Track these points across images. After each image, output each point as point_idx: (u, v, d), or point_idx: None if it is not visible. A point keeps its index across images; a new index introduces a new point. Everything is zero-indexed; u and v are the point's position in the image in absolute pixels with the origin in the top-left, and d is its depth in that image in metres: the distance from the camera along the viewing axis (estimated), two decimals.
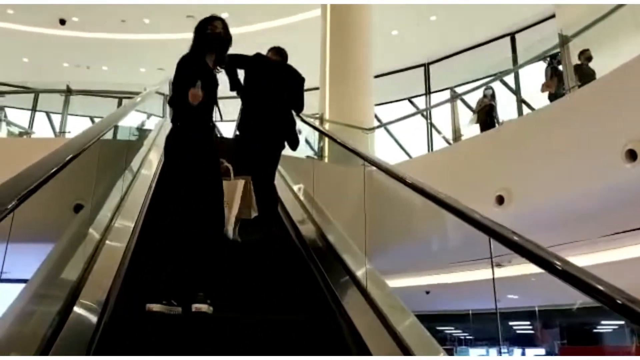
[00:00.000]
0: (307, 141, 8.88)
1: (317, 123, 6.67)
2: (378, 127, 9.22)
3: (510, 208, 5.36)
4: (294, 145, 4.06)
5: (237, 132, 4.10)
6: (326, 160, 7.80)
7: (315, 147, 8.42)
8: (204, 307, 2.44)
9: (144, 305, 2.38)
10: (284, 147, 4.03)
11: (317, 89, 9.61)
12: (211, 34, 2.88)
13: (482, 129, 7.45)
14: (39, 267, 2.41)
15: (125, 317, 2.30)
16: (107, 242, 2.78)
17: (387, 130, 9.81)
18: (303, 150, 8.71)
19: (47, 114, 9.94)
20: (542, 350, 13.82)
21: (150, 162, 4.38)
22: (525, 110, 9.02)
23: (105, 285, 2.39)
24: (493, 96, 7.97)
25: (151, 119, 7.29)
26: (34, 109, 9.86)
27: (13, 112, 12.07)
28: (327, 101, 9.11)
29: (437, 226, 5.55)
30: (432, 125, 10.01)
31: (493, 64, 12.02)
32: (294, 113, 4.15)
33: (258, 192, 3.71)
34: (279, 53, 4.25)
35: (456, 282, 10.51)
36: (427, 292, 11.98)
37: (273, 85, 4.01)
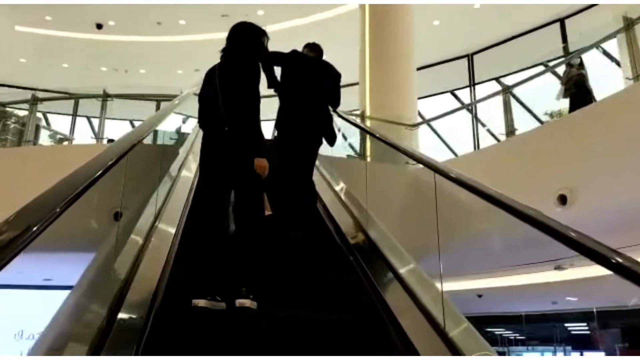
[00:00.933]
0: (344, 136, 8.73)
1: (357, 120, 6.49)
2: (423, 122, 8.94)
3: (574, 208, 5.02)
4: (332, 141, 4.15)
5: (275, 131, 4.18)
6: (368, 159, 7.60)
7: (357, 146, 8.28)
8: (247, 302, 2.56)
9: (189, 302, 2.52)
10: (321, 143, 4.14)
11: (356, 84, 9.46)
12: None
13: (573, 103, 6.85)
14: (86, 268, 2.46)
15: (172, 313, 2.44)
16: (152, 243, 2.88)
17: (430, 126, 9.53)
18: (343, 150, 8.59)
19: (88, 118, 10.25)
20: (601, 354, 13.19)
21: (189, 165, 4.41)
22: None
23: (152, 283, 2.53)
24: (581, 65, 7.07)
25: (189, 122, 7.33)
26: (74, 114, 10.10)
27: (55, 117, 12.45)
28: (368, 97, 8.86)
29: (492, 229, 5.35)
30: (477, 119, 9.70)
31: (542, 52, 11.58)
32: (330, 109, 4.23)
33: (296, 188, 3.88)
34: (314, 49, 4.33)
35: (511, 286, 10.23)
36: (480, 296, 11.73)
37: (310, 81, 4.11)
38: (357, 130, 7.72)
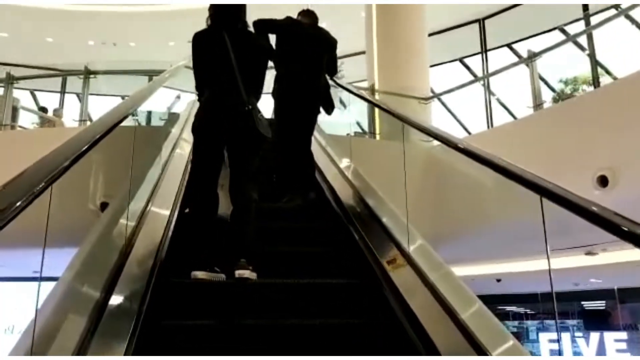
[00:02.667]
0: (342, 102, 8.45)
1: (363, 92, 6.13)
2: (436, 96, 8.48)
3: (615, 191, 4.66)
4: (329, 109, 4.26)
5: (273, 100, 4.22)
6: (377, 137, 7.24)
7: (364, 122, 7.89)
8: (246, 273, 2.63)
9: (189, 274, 2.64)
10: (319, 111, 4.24)
11: (362, 53, 9.03)
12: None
13: None
14: (80, 247, 2.42)
15: (172, 285, 2.58)
16: (147, 220, 2.92)
17: (440, 100, 9.09)
18: (348, 126, 8.21)
19: (78, 95, 9.91)
20: (622, 334, 13.11)
21: (183, 145, 4.32)
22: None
23: (150, 257, 2.63)
24: None
25: (183, 98, 7.00)
26: (62, 92, 9.71)
27: (44, 95, 12.09)
28: (376, 68, 8.46)
29: (519, 213, 5.06)
30: (490, 91, 9.28)
31: (558, 16, 11.13)
32: (327, 77, 4.32)
33: (295, 158, 4.05)
34: (309, 15, 4.41)
35: (536, 271, 10.03)
36: (498, 280, 11.64)
37: (305, 49, 4.18)
38: (365, 106, 7.33)
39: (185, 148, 4.17)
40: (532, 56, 6.43)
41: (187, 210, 3.18)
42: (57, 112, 9.76)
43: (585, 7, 10.79)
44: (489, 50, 12.95)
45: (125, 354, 1.92)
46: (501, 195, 5.11)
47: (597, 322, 14.27)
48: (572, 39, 8.43)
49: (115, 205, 2.84)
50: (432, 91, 8.65)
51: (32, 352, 1.62)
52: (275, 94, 4.19)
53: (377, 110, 7.00)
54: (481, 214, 5.66)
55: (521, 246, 6.87)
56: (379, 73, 8.38)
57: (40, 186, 1.39)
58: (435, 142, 6.72)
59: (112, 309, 2.06)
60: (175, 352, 2.20)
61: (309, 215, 3.76)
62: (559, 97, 11.51)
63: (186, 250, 2.84)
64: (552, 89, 12.02)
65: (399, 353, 2.28)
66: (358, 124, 8.42)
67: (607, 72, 9.60)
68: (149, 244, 2.70)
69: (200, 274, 2.63)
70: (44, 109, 9.78)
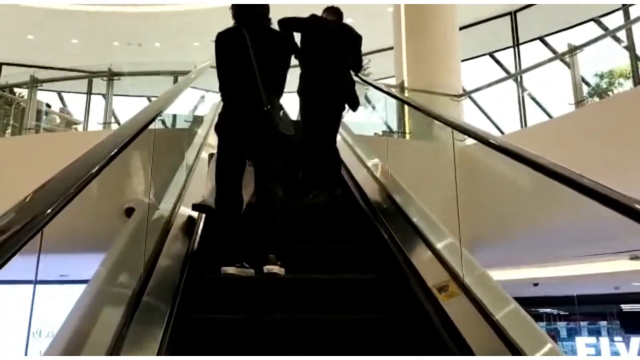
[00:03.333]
0: (368, 99, 8.22)
1: (392, 90, 5.96)
2: (469, 92, 8.17)
3: None
4: (354, 106, 4.33)
5: (298, 97, 4.31)
6: (407, 137, 7.05)
7: (393, 121, 7.70)
8: (274, 268, 2.73)
9: (218, 270, 2.74)
10: (344, 108, 4.34)
11: (390, 49, 8.85)
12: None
13: None
14: (112, 245, 2.47)
15: (202, 281, 2.70)
16: (177, 219, 3.01)
17: (471, 97, 8.79)
18: (374, 126, 7.99)
19: (104, 96, 9.96)
20: None
21: (209, 144, 4.38)
22: None
23: (181, 252, 2.78)
24: None
25: (207, 100, 6.92)
26: (89, 92, 9.74)
27: (71, 96, 12.20)
28: (405, 63, 8.30)
29: (564, 217, 4.83)
30: (522, 87, 8.99)
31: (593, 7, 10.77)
32: (352, 74, 4.40)
33: (321, 154, 4.15)
34: (334, 12, 4.51)
35: (577, 275, 9.80)
36: (536, 285, 11.41)
37: (330, 46, 4.26)
38: (393, 104, 7.15)
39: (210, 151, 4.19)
40: (573, 49, 6.16)
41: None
42: (64, 112, 9.84)
43: None
44: (521, 43, 12.61)
45: (159, 347, 2.00)
46: (540, 198, 4.91)
47: (636, 324, 13.91)
48: (611, 32, 8.09)
49: (145, 206, 2.89)
50: (463, 89, 8.43)
51: (67, 346, 1.66)
52: (300, 91, 4.27)
53: (406, 108, 6.79)
54: (519, 216, 5.45)
55: (559, 250, 6.62)
56: (408, 69, 8.24)
57: (70, 192, 1.36)
58: (469, 141, 6.53)
59: (145, 304, 2.14)
60: (203, 344, 2.28)
61: (335, 211, 3.84)
62: (595, 92, 11.15)
63: (215, 247, 2.96)
64: (587, 83, 11.61)
65: (428, 350, 2.26)
66: (385, 123, 8.25)
67: None
68: (179, 241, 2.83)
69: (230, 270, 2.73)
70: (47, 105, 9.81)
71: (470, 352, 2.11)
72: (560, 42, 6.67)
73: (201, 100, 7.09)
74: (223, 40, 3.10)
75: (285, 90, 3.19)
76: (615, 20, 10.65)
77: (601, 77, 11.59)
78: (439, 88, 7.45)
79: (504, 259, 7.54)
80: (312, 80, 4.20)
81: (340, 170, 4.37)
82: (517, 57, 12.64)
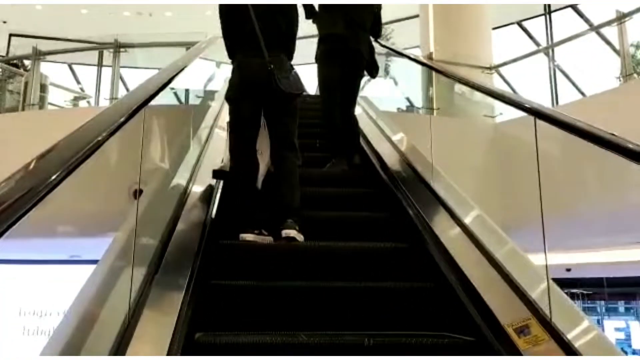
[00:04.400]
0: (387, 72, 7.76)
1: (421, 58, 5.59)
2: (503, 64, 7.76)
3: None
4: (374, 72, 4.35)
5: (317, 62, 4.31)
6: (435, 113, 6.67)
7: (418, 95, 7.31)
8: (292, 232, 2.79)
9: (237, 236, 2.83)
10: (363, 74, 4.33)
11: (415, 17, 8.39)
12: None
13: None
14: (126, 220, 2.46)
15: (221, 246, 2.74)
16: (194, 189, 3.06)
17: (498, 72, 8.34)
18: (397, 100, 7.64)
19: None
20: None
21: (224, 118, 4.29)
22: None
23: (199, 220, 2.79)
24: None
25: (221, 70, 6.59)
26: (100, 65, 9.42)
27: (81, 68, 11.97)
28: (431, 33, 7.89)
29: (600, 199, 4.53)
30: (554, 62, 8.51)
31: None
32: (372, 39, 4.39)
33: (339, 122, 4.14)
34: None
35: (616, 262, 9.50)
36: (568, 270, 11.18)
37: (348, 10, 4.18)
38: (416, 78, 6.77)
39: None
40: (622, 17, 5.73)
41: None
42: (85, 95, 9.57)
43: None
44: (553, 11, 11.94)
45: (180, 309, 2.03)
46: (583, 182, 4.61)
47: None
48: None
49: (162, 177, 2.97)
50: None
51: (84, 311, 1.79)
52: (318, 57, 4.28)
53: (435, 81, 6.37)
54: (556, 200, 5.09)
55: (595, 239, 6.25)
56: (435, 40, 7.83)
57: (72, 162, 1.31)
58: (502, 118, 6.14)
59: (165, 269, 2.21)
60: (221, 311, 2.36)
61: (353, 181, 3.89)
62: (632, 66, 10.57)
63: (233, 214, 3.02)
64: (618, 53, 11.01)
65: (448, 316, 2.31)
66: (407, 99, 7.88)
67: None
68: (197, 210, 2.88)
69: (248, 236, 2.81)
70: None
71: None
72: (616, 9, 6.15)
73: (215, 74, 6.75)
74: (225, 5, 3.18)
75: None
76: None
77: (637, 47, 11.04)
78: (469, 60, 7.06)
79: (538, 244, 7.17)
80: (331, 45, 4.19)
81: (359, 139, 4.37)
82: (550, 27, 12.06)
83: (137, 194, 2.59)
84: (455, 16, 7.75)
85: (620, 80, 6.05)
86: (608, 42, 10.78)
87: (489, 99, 5.43)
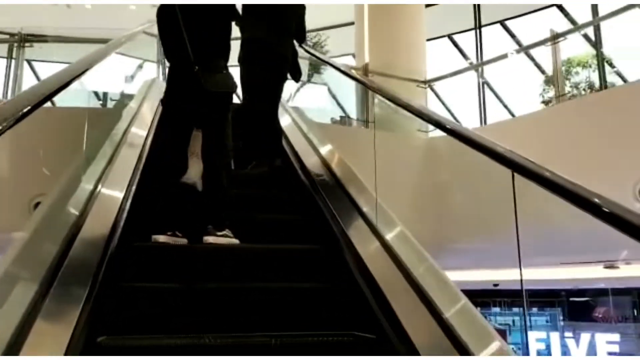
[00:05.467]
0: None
1: (354, 72, 5.72)
2: (438, 79, 7.70)
3: None
4: (297, 76, 4.50)
5: (240, 65, 4.41)
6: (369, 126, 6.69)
7: (352, 104, 7.40)
8: (210, 239, 2.92)
9: (149, 237, 2.87)
10: (286, 78, 4.46)
11: (351, 24, 8.50)
12: None
13: None
14: (36, 211, 2.62)
15: (131, 248, 2.74)
16: (107, 182, 3.07)
17: (430, 87, 8.45)
18: (327, 110, 7.63)
19: (29, 62, 9.28)
20: (615, 336, 13.33)
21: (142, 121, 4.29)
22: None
23: (109, 219, 2.74)
24: None
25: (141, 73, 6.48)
26: (9, 57, 8.99)
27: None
28: (366, 42, 7.92)
29: (536, 220, 4.75)
30: (484, 81, 8.88)
31: None
32: (296, 44, 4.53)
33: (262, 125, 4.29)
34: None
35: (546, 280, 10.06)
36: (495, 285, 11.82)
37: (272, 13, 4.30)
38: (350, 85, 6.90)
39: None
40: (556, 37, 5.80)
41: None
42: None
43: None
44: (484, 26, 12.42)
45: (80, 312, 2.03)
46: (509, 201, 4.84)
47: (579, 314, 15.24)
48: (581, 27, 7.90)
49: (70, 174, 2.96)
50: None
51: None
52: (241, 59, 4.37)
53: (370, 93, 6.51)
54: (487, 218, 5.33)
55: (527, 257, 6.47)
56: (370, 49, 7.83)
57: None
58: (437, 133, 6.29)
59: (67, 271, 2.18)
60: (130, 314, 2.39)
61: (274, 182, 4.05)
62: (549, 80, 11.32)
63: (150, 215, 3.08)
64: (542, 71, 11.81)
65: (357, 313, 2.50)
66: (342, 108, 7.96)
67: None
68: (107, 208, 2.86)
69: (161, 238, 2.86)
70: None
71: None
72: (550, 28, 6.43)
73: (136, 71, 6.63)
74: (160, 11, 3.28)
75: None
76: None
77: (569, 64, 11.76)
78: (404, 72, 7.14)
79: (469, 262, 7.40)
80: (253, 48, 4.30)
81: (282, 141, 4.53)
82: (479, 41, 12.38)
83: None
84: (390, 24, 7.79)
85: (547, 101, 6.31)
86: (536, 63, 11.44)
87: None
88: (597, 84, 8.35)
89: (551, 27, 6.32)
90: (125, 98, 5.13)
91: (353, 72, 5.67)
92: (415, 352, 2.06)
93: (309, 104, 7.74)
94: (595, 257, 7.57)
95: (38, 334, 1.84)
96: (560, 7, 11.18)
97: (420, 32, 8.06)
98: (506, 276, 11.03)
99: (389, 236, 2.79)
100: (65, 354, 1.84)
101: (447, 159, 5.53)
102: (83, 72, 2.62)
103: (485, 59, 11.95)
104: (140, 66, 6.86)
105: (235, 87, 3.36)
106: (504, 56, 7.57)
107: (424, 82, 7.24)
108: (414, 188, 5.50)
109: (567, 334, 14.73)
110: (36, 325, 1.85)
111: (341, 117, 7.69)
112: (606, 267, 9.61)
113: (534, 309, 16.21)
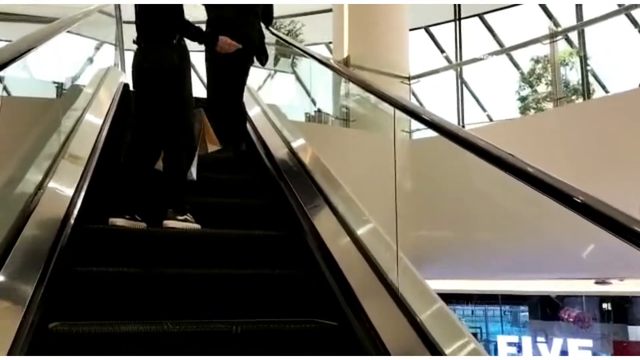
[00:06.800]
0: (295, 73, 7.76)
1: (332, 62, 5.70)
2: (423, 75, 7.53)
3: None
4: (263, 60, 4.57)
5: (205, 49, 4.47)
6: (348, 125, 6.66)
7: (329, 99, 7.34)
8: (171, 223, 2.98)
9: (106, 220, 2.91)
10: (252, 61, 4.55)
11: (329, 11, 8.40)
12: None
13: None
14: None
15: (87, 232, 2.75)
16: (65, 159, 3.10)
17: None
18: (300, 105, 7.48)
19: None
20: (588, 342, 13.75)
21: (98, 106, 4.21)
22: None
23: (65, 200, 2.73)
24: None
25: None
26: None
27: None
28: (346, 32, 7.63)
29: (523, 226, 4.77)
30: (462, 81, 8.92)
31: None
32: (263, 26, 4.64)
33: (227, 109, 4.42)
34: None
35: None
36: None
37: None
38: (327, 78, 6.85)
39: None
40: (555, 35, 5.67)
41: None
42: None
43: None
44: (463, 18, 12.46)
45: (31, 298, 2.02)
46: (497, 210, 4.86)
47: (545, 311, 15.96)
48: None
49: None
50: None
51: None
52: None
53: (350, 87, 6.44)
54: (467, 224, 5.38)
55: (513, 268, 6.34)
56: (349, 41, 7.59)
57: None
58: (421, 134, 6.31)
59: (17, 253, 2.18)
60: (84, 299, 2.40)
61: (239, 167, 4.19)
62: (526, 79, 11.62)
63: (108, 197, 3.10)
64: (517, 66, 12.09)
65: (316, 296, 2.61)
66: (313, 102, 7.86)
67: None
68: (62, 190, 2.84)
69: (119, 221, 2.90)
70: None
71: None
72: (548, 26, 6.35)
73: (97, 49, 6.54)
74: None
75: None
76: None
77: (537, 61, 12.05)
78: (385, 66, 6.93)
79: (454, 270, 7.26)
80: (219, 29, 4.25)
81: (246, 125, 4.67)
82: (458, 32, 12.39)
83: None
84: (371, 14, 7.54)
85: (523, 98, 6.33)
86: (512, 60, 11.65)
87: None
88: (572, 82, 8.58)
89: (549, 25, 6.30)
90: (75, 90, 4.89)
91: (332, 62, 5.68)
92: (378, 339, 2.15)
93: (277, 96, 7.70)
94: (590, 274, 7.62)
95: None
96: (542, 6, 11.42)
97: (403, 23, 7.92)
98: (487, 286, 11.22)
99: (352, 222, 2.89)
100: (14, 340, 1.82)
101: (432, 161, 5.53)
102: (21, 55, 2.28)
103: (462, 52, 12.09)
104: (97, 48, 6.75)
105: (181, 60, 3.27)
106: (490, 54, 7.53)
107: (408, 78, 7.14)
108: (398, 191, 5.33)
109: (540, 338, 15.14)
110: None
111: (315, 111, 7.37)
112: (597, 283, 9.90)
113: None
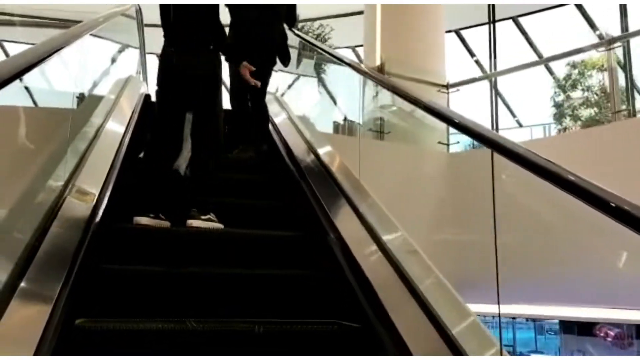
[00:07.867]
0: (321, 81, 7.75)
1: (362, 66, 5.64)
2: (463, 83, 7.09)
3: None
4: (286, 61, 4.78)
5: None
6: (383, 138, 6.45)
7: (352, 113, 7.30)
8: (195, 222, 3.10)
9: (131, 219, 3.04)
10: (275, 62, 4.74)
11: (358, 13, 8.35)
12: None
13: None
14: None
15: (112, 230, 2.88)
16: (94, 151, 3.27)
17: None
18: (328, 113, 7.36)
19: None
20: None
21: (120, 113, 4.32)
22: None
23: (91, 197, 2.85)
24: None
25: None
26: None
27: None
28: (378, 33, 7.44)
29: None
30: (497, 92, 8.78)
31: None
32: (286, 27, 4.81)
33: (249, 109, 4.61)
34: None
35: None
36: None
37: None
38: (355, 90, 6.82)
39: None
40: (612, 41, 5.36)
41: (141, 155, 3.62)
42: None
43: None
44: (497, 21, 12.34)
45: (59, 294, 2.12)
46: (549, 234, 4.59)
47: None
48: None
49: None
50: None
51: None
52: (231, 42, 4.58)
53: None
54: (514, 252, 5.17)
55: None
56: (382, 46, 7.39)
57: None
58: (459, 147, 6.23)
59: (44, 252, 2.27)
60: (110, 297, 2.51)
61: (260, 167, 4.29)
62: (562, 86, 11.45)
63: (133, 196, 3.23)
64: (550, 71, 11.85)
65: (340, 300, 2.68)
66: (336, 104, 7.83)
67: None
68: (87, 194, 2.93)
69: (143, 220, 3.03)
70: None
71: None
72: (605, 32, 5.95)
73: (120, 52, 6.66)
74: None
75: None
76: None
77: (573, 66, 11.98)
78: (420, 73, 6.65)
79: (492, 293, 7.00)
80: (242, 30, 4.53)
81: (268, 126, 4.79)
82: (492, 33, 12.21)
83: None
84: (406, 14, 7.34)
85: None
86: (547, 66, 11.56)
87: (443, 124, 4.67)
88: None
89: (606, 31, 6.06)
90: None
91: (363, 67, 5.53)
92: (402, 343, 2.20)
93: (303, 102, 7.70)
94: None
95: (13, 315, 1.94)
96: (579, 6, 11.36)
97: (439, 25, 7.68)
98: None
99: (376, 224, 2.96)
100: (42, 336, 1.92)
101: (472, 175, 5.34)
102: (41, 61, 2.24)
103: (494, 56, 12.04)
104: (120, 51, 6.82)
105: (217, 68, 3.46)
106: (518, 68, 7.29)
107: (446, 86, 6.82)
108: (432, 207, 5.31)
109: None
110: (11, 307, 1.95)
111: (344, 120, 7.15)
112: None
113: None
